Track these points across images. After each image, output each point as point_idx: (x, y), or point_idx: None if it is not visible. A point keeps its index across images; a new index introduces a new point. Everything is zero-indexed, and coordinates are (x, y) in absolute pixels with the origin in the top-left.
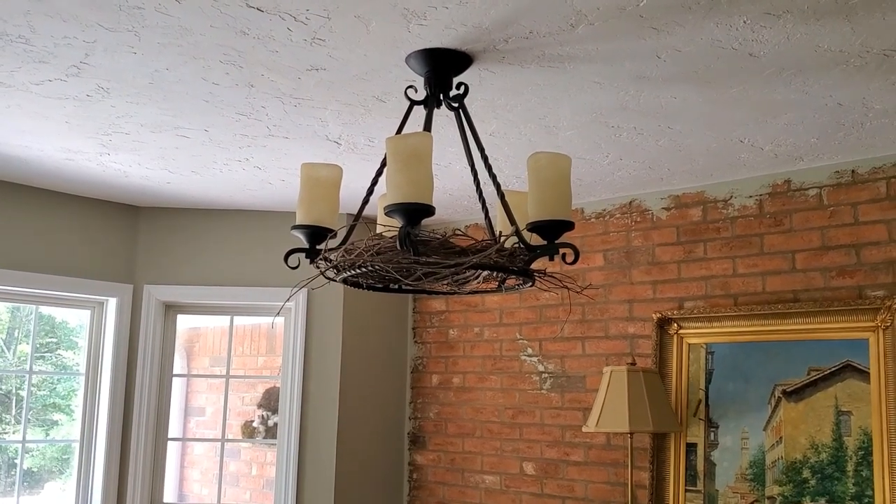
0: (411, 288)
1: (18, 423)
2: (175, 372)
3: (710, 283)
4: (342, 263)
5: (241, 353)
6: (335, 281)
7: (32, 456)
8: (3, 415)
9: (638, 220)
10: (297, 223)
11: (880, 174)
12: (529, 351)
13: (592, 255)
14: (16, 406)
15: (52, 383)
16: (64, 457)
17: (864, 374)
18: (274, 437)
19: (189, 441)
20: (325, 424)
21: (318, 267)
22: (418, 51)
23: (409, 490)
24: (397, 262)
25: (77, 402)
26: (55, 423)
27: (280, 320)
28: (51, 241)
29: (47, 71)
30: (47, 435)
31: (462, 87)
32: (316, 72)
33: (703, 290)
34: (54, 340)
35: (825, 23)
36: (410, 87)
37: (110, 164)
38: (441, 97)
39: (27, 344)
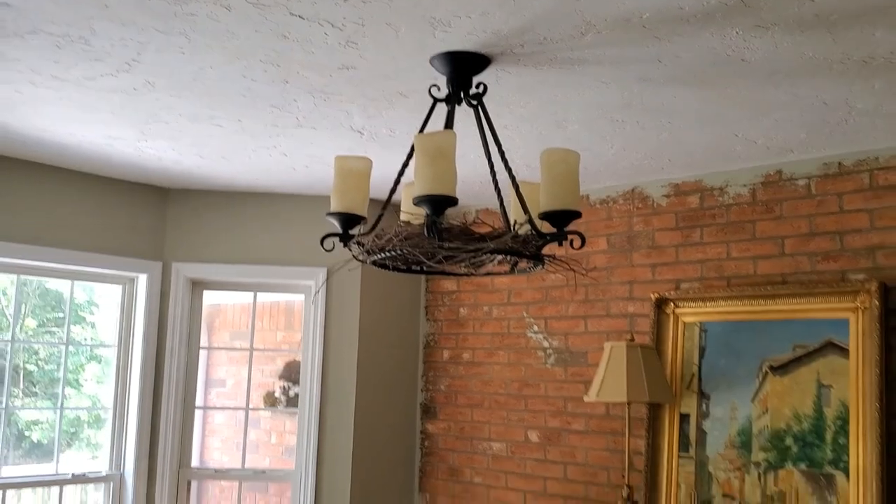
0: (432, 270)
1: (26, 395)
2: (201, 345)
3: (706, 266)
4: (373, 247)
5: (260, 329)
6: (365, 263)
7: (42, 429)
8: (12, 388)
9: (639, 206)
10: (331, 210)
11: (864, 166)
12: (535, 328)
13: (596, 239)
14: (24, 379)
15: (59, 357)
16: (71, 430)
17: (844, 352)
18: (295, 406)
19: (215, 409)
20: (343, 395)
21: (350, 250)
22: (442, 53)
23: (420, 456)
24: (423, 246)
25: (86, 377)
26: (64, 396)
27: (300, 297)
28: (85, 221)
29: (101, 67)
30: (54, 410)
31: (481, 87)
32: (347, 70)
33: (699, 272)
34: (61, 315)
35: (809, 34)
36: (434, 85)
37: (146, 149)
38: (462, 95)
39: (33, 318)
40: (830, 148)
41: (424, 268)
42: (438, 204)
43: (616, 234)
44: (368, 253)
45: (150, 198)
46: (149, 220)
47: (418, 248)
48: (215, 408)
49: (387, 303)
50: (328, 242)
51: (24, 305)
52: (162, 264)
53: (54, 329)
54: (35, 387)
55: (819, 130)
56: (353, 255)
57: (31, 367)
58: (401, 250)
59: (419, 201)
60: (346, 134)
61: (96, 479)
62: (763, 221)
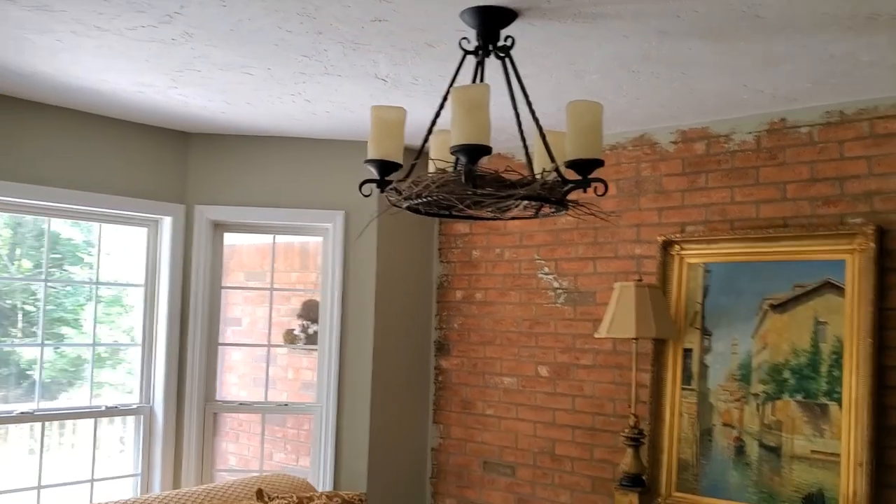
0: (461, 214)
1: (25, 335)
2: (222, 285)
3: (710, 210)
4: (410, 193)
5: (276, 270)
6: (400, 208)
7: (45, 368)
8: (10, 329)
9: (647, 152)
10: (368, 157)
11: (864, 115)
12: (546, 270)
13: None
14: (22, 319)
15: (58, 298)
16: (71, 369)
17: (840, 290)
18: (314, 343)
19: (237, 346)
20: (362, 332)
21: (387, 196)
22: (473, 7)
23: (434, 390)
24: (458, 193)
25: (86, 316)
26: (63, 336)
27: (314, 239)
28: (112, 165)
29: (143, 19)
30: (55, 350)
31: (510, 40)
32: (379, 22)
33: (703, 215)
34: (59, 256)
35: None
36: (464, 38)
37: (176, 96)
38: (490, 48)
39: (28, 260)
40: (833, 97)
41: (453, 212)
42: (474, 153)
43: (624, 180)
44: (405, 199)
45: (172, 142)
46: (172, 164)
47: (454, 195)
48: (239, 344)
49: (402, 245)
50: (366, 188)
51: (18, 248)
52: (185, 207)
53: (52, 270)
54: (34, 328)
55: (824, 81)
56: (390, 201)
57: (29, 308)
58: (437, 196)
59: (456, 150)
60: (371, 82)
61: (128, 412)
62: (766, 167)
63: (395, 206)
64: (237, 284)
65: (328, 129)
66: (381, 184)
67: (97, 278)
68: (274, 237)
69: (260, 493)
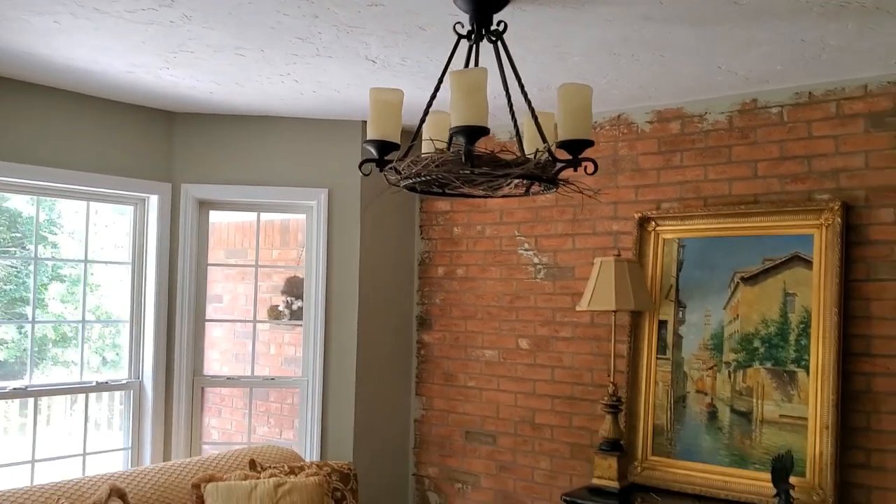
0: (454, 192)
1: None
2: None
3: (684, 187)
4: (409, 172)
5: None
6: (398, 186)
7: (7, 348)
8: None
9: (625, 131)
10: (368, 138)
11: (832, 96)
12: (526, 246)
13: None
14: None
15: (20, 277)
16: (35, 348)
17: (808, 263)
18: (298, 318)
19: (219, 322)
20: (346, 308)
21: (386, 175)
22: None
23: (417, 364)
24: (457, 172)
25: (51, 296)
26: (24, 315)
27: (296, 217)
28: (99, 144)
29: (144, 2)
30: (20, 329)
31: (502, 25)
32: (375, 7)
33: (678, 193)
34: (18, 235)
35: None
36: (458, 23)
37: (167, 76)
38: (483, 32)
39: None
40: (803, 79)
41: (447, 189)
42: (473, 133)
43: (602, 158)
44: (405, 178)
45: (159, 122)
46: (158, 143)
47: (453, 174)
48: (226, 320)
49: (384, 222)
50: (366, 167)
51: None
52: (171, 185)
53: (11, 248)
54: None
55: (795, 64)
56: (388, 180)
57: None
58: (436, 175)
59: (455, 131)
60: (360, 63)
61: (118, 387)
62: (738, 146)
63: (393, 184)
64: (218, 261)
65: (314, 108)
66: (381, 163)
67: (86, 256)
68: (259, 215)
69: (252, 463)
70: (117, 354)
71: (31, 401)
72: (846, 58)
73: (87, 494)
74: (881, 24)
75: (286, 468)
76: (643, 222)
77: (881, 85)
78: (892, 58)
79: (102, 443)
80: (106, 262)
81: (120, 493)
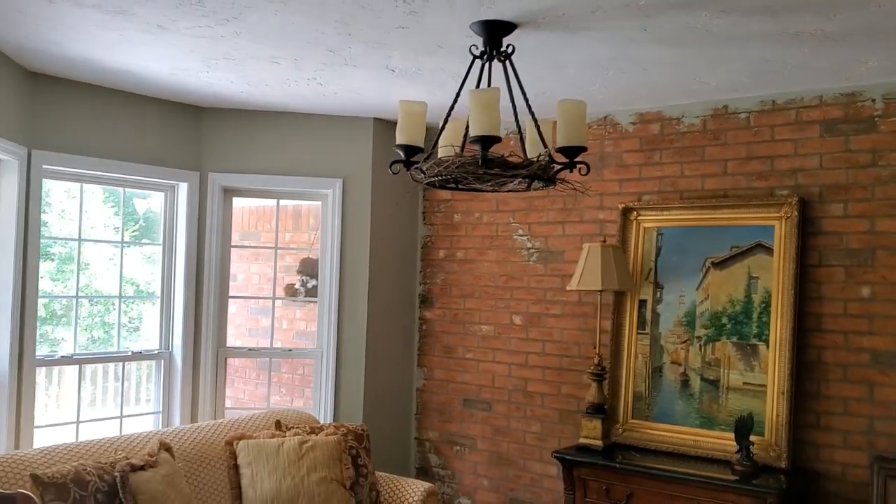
0: (467, 187)
1: None
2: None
3: (663, 182)
4: (433, 172)
5: (269, 230)
6: (422, 183)
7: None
8: None
9: (610, 131)
10: (397, 143)
11: (792, 105)
12: (520, 232)
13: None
14: None
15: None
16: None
17: (769, 251)
18: (313, 296)
19: (242, 299)
20: (357, 286)
21: (413, 174)
22: (481, 20)
23: (419, 337)
24: (474, 172)
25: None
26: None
27: (309, 203)
28: (136, 137)
29: (203, 21)
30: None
31: (510, 47)
32: (403, 29)
33: (657, 186)
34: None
35: (758, 17)
36: (473, 45)
37: (205, 78)
38: (493, 53)
39: None
40: (767, 89)
41: (460, 185)
42: (488, 142)
43: (590, 155)
44: (429, 177)
45: (188, 116)
46: (188, 135)
47: (471, 174)
48: (248, 297)
49: (391, 210)
50: (395, 168)
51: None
52: (199, 174)
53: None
54: None
55: (759, 77)
56: (413, 178)
57: None
58: (455, 175)
59: (474, 140)
60: (381, 71)
61: (150, 357)
62: (711, 147)
63: (417, 181)
64: (238, 243)
65: (332, 106)
66: (408, 164)
67: (122, 239)
68: (278, 201)
69: (278, 424)
70: (137, 328)
71: (76, 368)
72: (804, 73)
73: (139, 447)
74: (833, 48)
75: (308, 428)
76: (626, 212)
77: (834, 97)
78: (842, 74)
79: (132, 408)
80: (140, 244)
81: (167, 447)
